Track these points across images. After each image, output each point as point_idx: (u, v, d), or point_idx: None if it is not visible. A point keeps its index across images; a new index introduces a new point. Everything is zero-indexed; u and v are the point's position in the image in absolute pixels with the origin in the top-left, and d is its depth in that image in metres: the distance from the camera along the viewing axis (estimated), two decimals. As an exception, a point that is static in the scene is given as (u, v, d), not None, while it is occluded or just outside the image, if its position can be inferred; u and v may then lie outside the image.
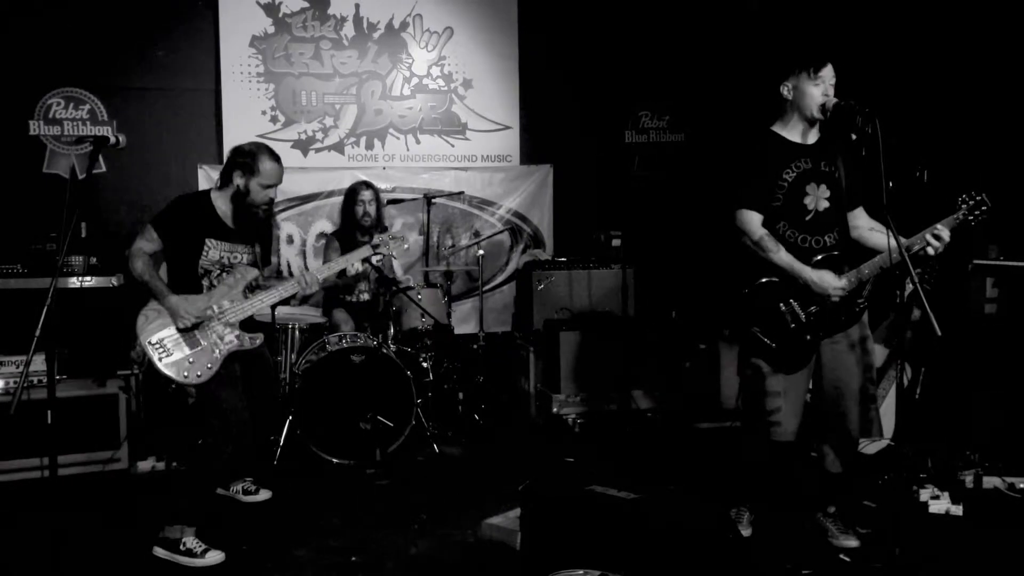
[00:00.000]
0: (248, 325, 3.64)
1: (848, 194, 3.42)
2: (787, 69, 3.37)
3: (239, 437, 3.51)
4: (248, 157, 3.58)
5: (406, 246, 4.13)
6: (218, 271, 3.58)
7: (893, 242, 3.02)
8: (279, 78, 6.24)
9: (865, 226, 3.47)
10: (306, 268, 6.24)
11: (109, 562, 3.45)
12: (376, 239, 4.01)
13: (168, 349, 3.43)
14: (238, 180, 3.58)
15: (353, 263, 3.91)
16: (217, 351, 3.48)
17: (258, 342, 3.64)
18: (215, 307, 3.51)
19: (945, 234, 3.19)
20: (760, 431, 3.40)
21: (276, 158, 3.63)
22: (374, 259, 4.74)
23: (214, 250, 3.57)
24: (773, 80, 3.41)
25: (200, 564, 3.39)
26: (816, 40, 5.78)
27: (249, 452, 3.70)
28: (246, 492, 4.15)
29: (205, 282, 3.55)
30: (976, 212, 3.24)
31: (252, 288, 3.65)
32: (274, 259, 6.12)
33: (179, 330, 3.44)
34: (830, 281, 3.27)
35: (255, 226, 3.73)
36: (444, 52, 6.57)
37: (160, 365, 3.41)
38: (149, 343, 3.42)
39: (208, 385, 3.47)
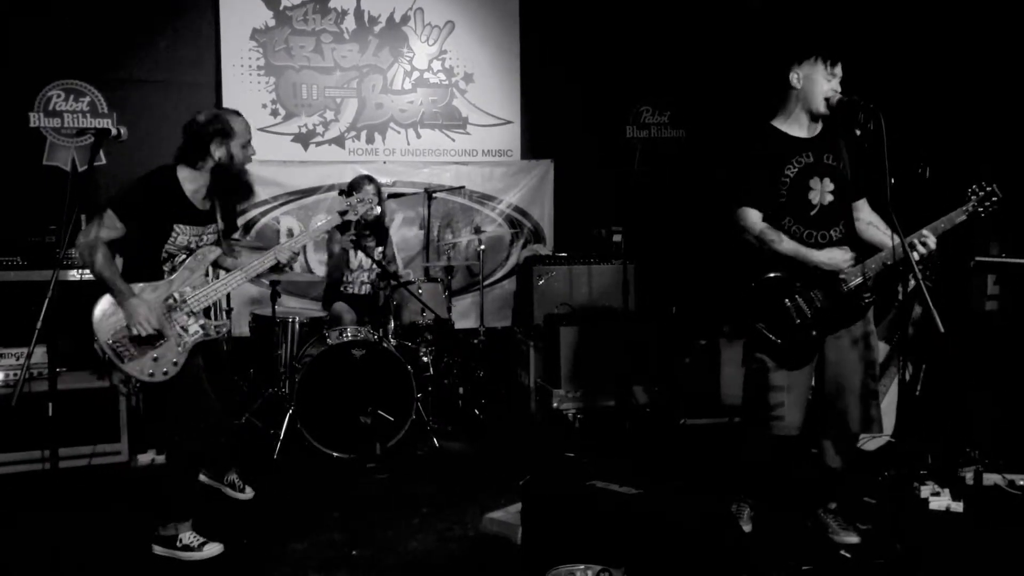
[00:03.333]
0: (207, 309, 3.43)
1: (851, 186, 3.41)
2: (801, 54, 3.29)
3: (208, 432, 3.47)
4: (218, 123, 3.33)
5: (376, 209, 3.87)
6: (183, 256, 3.35)
7: (894, 239, 3.02)
8: (280, 71, 6.23)
9: (864, 219, 3.46)
10: (306, 262, 6.23)
11: (110, 555, 3.44)
12: (343, 204, 3.78)
13: (129, 348, 3.21)
14: (218, 151, 3.32)
15: (321, 233, 3.70)
16: (181, 344, 3.28)
17: (224, 330, 3.45)
18: (176, 295, 3.29)
19: (931, 241, 3.19)
20: (762, 425, 3.39)
21: (238, 113, 3.44)
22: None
23: (182, 236, 3.33)
24: (781, 65, 3.33)
25: (199, 557, 3.39)
26: (814, 38, 5.76)
27: (222, 443, 3.68)
28: (234, 488, 4.09)
29: (167, 266, 3.32)
30: (987, 203, 3.24)
31: (215, 267, 3.46)
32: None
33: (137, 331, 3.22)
34: (840, 256, 3.25)
35: (230, 193, 3.50)
36: (445, 46, 6.56)
37: (123, 366, 3.21)
38: (108, 344, 3.19)
39: (174, 382, 3.31)
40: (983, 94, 5.02)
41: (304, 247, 6.15)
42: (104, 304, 3.24)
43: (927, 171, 4.63)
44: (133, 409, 4.66)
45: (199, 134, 3.32)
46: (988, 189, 3.24)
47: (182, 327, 3.31)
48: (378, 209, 4.04)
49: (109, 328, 3.22)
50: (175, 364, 3.29)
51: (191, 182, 3.35)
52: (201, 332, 3.35)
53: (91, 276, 4.55)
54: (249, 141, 3.42)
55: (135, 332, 3.18)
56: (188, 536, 3.43)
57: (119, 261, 3.33)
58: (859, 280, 3.28)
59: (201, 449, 3.50)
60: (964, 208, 3.24)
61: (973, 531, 3.69)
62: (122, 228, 3.24)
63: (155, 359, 3.26)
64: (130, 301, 3.19)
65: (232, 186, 3.45)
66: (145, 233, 3.29)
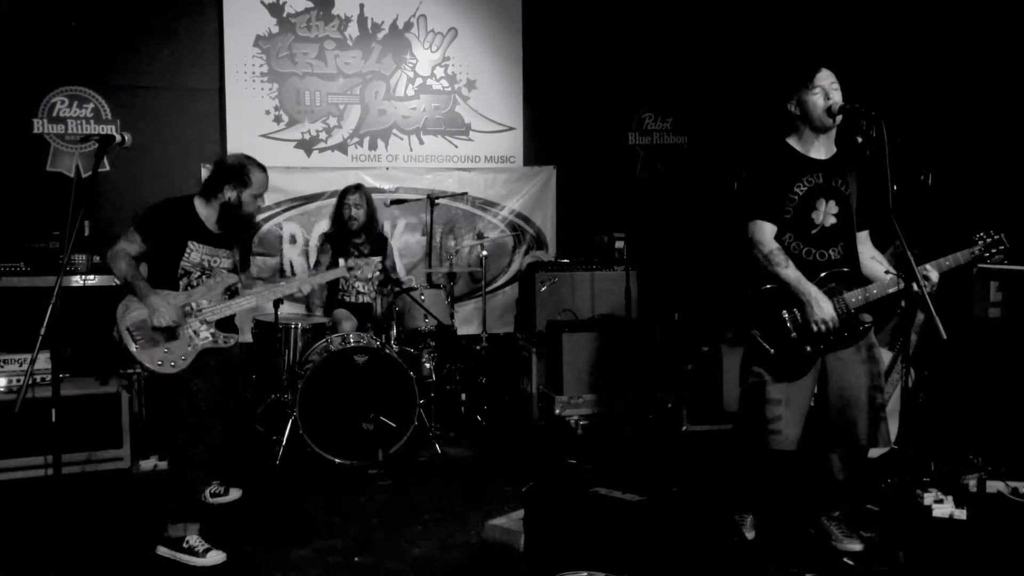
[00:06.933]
0: (224, 325, 3.68)
1: (854, 213, 3.43)
2: (789, 88, 3.40)
3: (211, 431, 3.59)
4: (239, 171, 3.66)
5: (377, 272, 4.32)
6: (198, 273, 3.63)
7: (897, 247, 3.02)
8: (283, 78, 6.25)
9: (867, 254, 3.49)
10: (308, 267, 6.24)
11: (111, 561, 3.44)
12: (351, 262, 4.13)
13: (144, 336, 3.49)
14: (229, 193, 3.63)
15: (326, 280, 4.26)
16: (192, 344, 3.54)
17: (232, 342, 3.68)
18: (193, 304, 3.57)
19: (934, 276, 3.24)
20: (759, 440, 3.39)
21: (263, 168, 3.74)
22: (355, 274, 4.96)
23: (196, 252, 3.62)
24: (780, 99, 3.44)
25: (201, 563, 3.40)
26: (815, 44, 5.79)
27: (224, 447, 3.76)
28: (214, 495, 4.10)
29: (183, 282, 3.60)
30: (992, 250, 3.31)
31: (231, 293, 3.71)
32: (275, 259, 6.16)
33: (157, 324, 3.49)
34: (827, 311, 3.25)
35: (237, 232, 3.80)
36: (448, 53, 6.57)
37: (135, 351, 3.48)
38: (127, 329, 3.48)
39: (182, 377, 3.52)
40: (987, 99, 5.02)
41: (306, 255, 6.26)
42: (127, 299, 3.54)
43: (929, 178, 4.64)
44: (136, 415, 4.67)
45: (220, 173, 3.67)
46: (996, 237, 3.31)
47: (194, 331, 3.56)
48: (378, 273, 4.71)
49: (128, 318, 3.50)
50: (183, 360, 3.52)
51: (204, 208, 3.67)
52: (211, 339, 3.59)
53: (94, 283, 4.65)
54: (262, 195, 3.75)
55: (155, 324, 3.46)
56: (195, 539, 3.46)
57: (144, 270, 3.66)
58: (861, 303, 3.30)
59: (208, 451, 3.59)
60: (971, 250, 3.31)
61: (976, 539, 3.68)
62: (142, 244, 3.58)
63: (166, 351, 3.51)
64: (151, 298, 3.48)
65: (235, 225, 3.73)
66: (163, 248, 3.60)
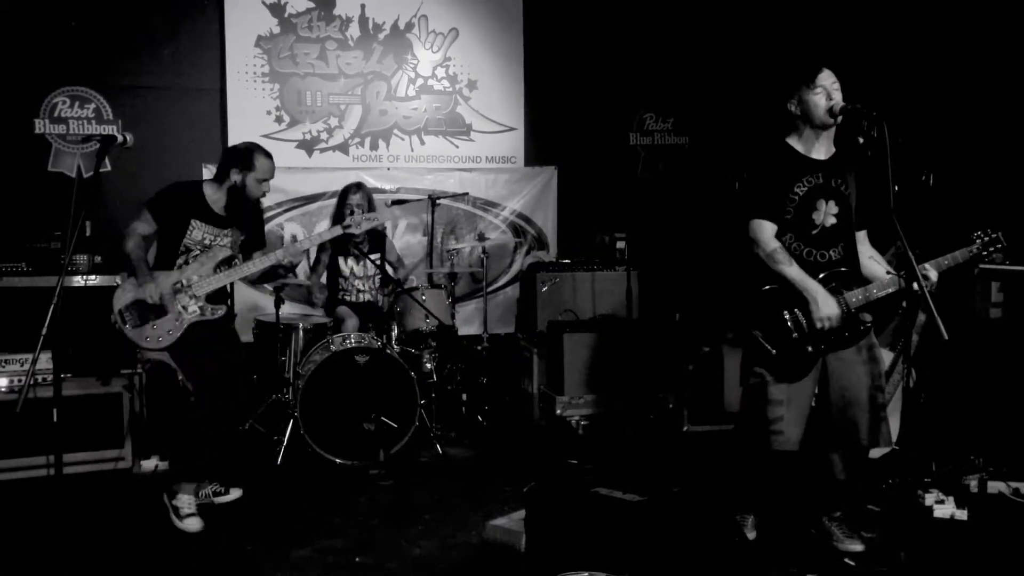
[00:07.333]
0: (216, 298, 3.88)
1: (854, 213, 3.44)
2: (790, 87, 3.40)
3: (210, 430, 3.80)
4: (245, 155, 3.89)
5: (377, 222, 4.35)
6: (198, 251, 3.85)
7: (898, 247, 3.02)
8: (284, 78, 6.25)
9: (865, 253, 3.49)
10: (309, 266, 6.24)
11: (111, 561, 3.43)
12: (347, 220, 4.23)
13: (135, 316, 3.76)
14: (235, 176, 3.86)
15: (321, 241, 4.82)
16: (180, 319, 3.77)
17: (219, 313, 3.88)
18: (183, 280, 3.80)
19: (933, 275, 3.25)
20: (761, 440, 3.39)
21: (269, 155, 3.96)
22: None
23: (198, 230, 3.85)
24: (780, 98, 3.44)
25: (178, 525, 3.70)
26: (815, 44, 5.78)
27: (224, 442, 3.91)
28: (216, 494, 4.09)
29: (182, 259, 3.83)
30: (990, 248, 3.34)
31: (226, 265, 3.89)
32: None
33: (148, 301, 3.75)
34: (832, 308, 3.26)
35: (245, 214, 3.99)
36: (449, 53, 6.57)
37: (126, 330, 3.75)
38: (119, 311, 3.75)
39: (178, 349, 3.78)
40: (988, 100, 5.02)
41: (307, 254, 6.25)
42: (124, 283, 3.84)
43: (931, 178, 4.64)
44: (137, 415, 4.67)
45: (227, 158, 3.94)
46: (993, 236, 3.34)
47: (183, 306, 3.79)
48: (380, 223, 4.65)
49: (121, 300, 3.78)
50: (170, 334, 3.77)
51: (214, 193, 3.91)
52: (198, 312, 3.81)
53: (95, 283, 4.70)
54: (267, 180, 3.95)
55: (148, 301, 3.73)
56: (184, 499, 3.74)
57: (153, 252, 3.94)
58: (862, 302, 3.30)
59: (216, 415, 3.83)
60: (969, 249, 3.34)
61: (977, 539, 3.68)
62: (153, 223, 3.84)
63: (154, 327, 3.77)
64: (145, 277, 3.76)
65: (241, 208, 3.95)
66: (169, 226, 3.84)
